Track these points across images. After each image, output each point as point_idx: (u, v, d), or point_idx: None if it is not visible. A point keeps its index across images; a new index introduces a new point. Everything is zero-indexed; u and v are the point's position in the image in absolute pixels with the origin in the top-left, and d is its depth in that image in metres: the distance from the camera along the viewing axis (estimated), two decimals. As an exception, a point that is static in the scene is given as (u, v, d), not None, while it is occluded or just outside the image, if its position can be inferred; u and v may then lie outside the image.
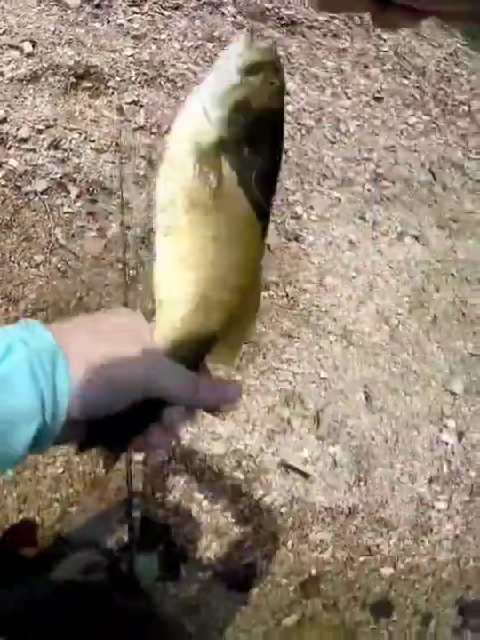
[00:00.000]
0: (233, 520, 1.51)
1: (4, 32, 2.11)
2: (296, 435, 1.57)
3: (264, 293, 1.77)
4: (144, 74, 2.10)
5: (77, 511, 1.38)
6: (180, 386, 0.46)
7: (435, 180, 2.17)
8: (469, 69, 2.69)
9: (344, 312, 1.82)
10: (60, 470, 1.42)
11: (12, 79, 1.98)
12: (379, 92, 2.39)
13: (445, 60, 2.71)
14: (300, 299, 1.79)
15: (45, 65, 2.04)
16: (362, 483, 1.57)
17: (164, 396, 0.45)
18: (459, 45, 2.83)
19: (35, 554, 1.25)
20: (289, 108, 2.17)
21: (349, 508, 1.56)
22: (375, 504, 1.56)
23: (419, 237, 1.96)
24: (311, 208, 1.91)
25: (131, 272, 1.70)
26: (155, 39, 2.22)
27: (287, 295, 1.79)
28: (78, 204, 1.74)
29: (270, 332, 1.70)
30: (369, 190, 2.03)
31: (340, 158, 2.09)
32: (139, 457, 1.44)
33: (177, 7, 2.35)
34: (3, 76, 1.98)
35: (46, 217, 1.70)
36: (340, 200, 1.96)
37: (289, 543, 1.52)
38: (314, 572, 1.50)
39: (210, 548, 1.47)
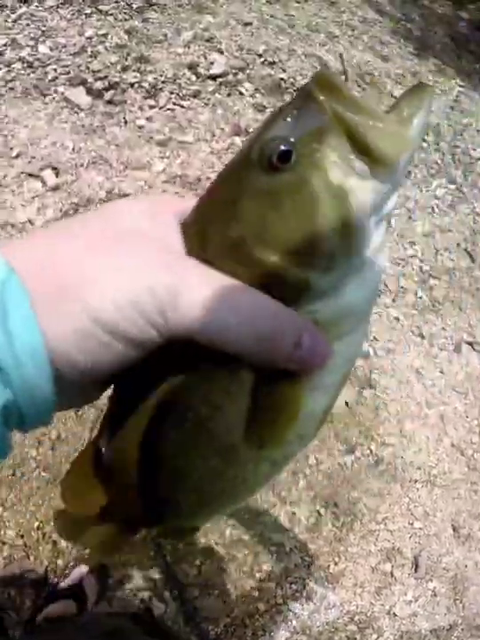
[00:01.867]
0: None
1: (18, 155, 1.85)
2: (399, 583, 1.73)
3: (351, 457, 1.78)
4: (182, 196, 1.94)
5: None
6: (254, 325, 0.26)
7: (473, 262, 2.24)
8: (476, 116, 2.68)
9: (425, 457, 1.86)
10: None
11: (45, 225, 1.78)
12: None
13: (452, 108, 2.67)
14: (384, 454, 1.81)
15: (75, 200, 1.84)
16: (458, 602, 1.79)
17: (216, 340, 0.26)
18: (459, 89, 2.79)
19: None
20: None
21: (450, 625, 1.79)
22: (471, 615, 1.79)
23: (473, 344, 2.05)
24: (375, 339, 1.93)
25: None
26: (181, 143, 2.03)
27: (371, 452, 1.80)
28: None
29: (362, 496, 1.74)
30: (420, 297, 2.08)
31: (388, 262, 2.10)
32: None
33: (195, 94, 2.12)
34: (32, 224, 1.77)
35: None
36: (397, 319, 2.00)
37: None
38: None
39: None
